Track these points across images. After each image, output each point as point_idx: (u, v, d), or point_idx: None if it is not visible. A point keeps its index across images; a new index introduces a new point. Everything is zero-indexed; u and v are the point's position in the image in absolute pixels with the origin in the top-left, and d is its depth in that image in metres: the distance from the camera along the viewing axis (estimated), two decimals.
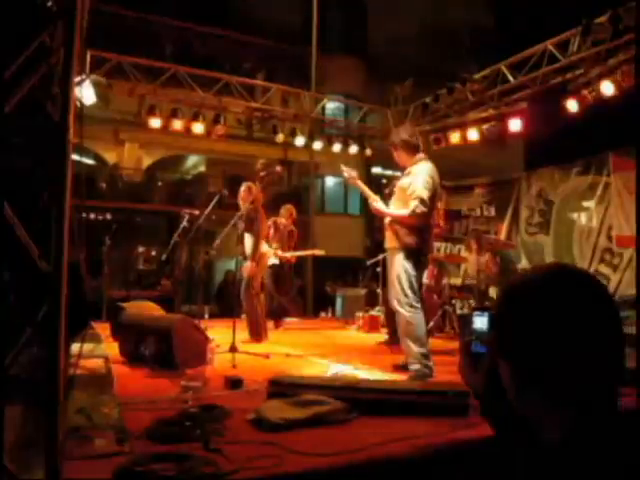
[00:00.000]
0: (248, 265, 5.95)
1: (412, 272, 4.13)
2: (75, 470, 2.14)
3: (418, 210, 4.05)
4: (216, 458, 2.31)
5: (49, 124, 2.19)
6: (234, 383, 3.57)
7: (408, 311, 4.07)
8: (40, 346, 2.42)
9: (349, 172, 4.46)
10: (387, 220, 4.30)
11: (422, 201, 4.05)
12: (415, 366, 4.08)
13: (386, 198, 4.53)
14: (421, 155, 4.35)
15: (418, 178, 4.13)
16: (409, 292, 4.09)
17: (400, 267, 4.12)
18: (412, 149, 4.33)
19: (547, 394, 0.84)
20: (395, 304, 4.14)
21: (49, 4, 2.71)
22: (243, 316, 6.30)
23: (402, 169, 4.45)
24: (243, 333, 5.81)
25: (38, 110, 2.66)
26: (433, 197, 4.21)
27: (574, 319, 0.82)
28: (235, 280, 6.38)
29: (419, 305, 4.16)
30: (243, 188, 6.15)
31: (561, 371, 0.82)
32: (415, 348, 4.07)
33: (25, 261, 2.11)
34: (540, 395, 0.85)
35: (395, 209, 4.26)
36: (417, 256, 4.18)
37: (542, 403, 0.85)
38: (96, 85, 7.39)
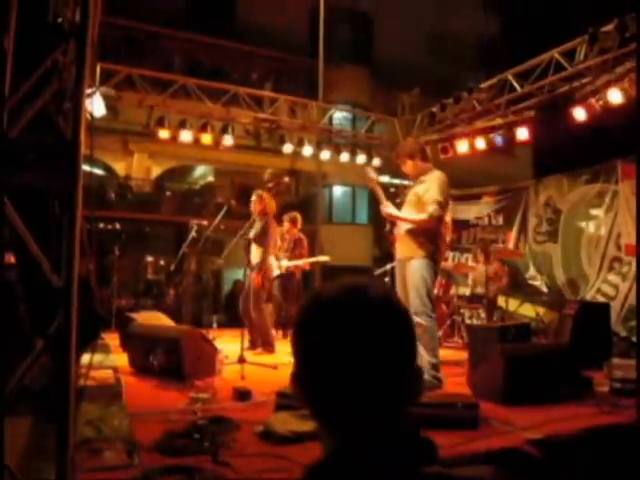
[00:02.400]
0: (254, 276, 5.98)
1: (430, 281, 4.17)
2: None
3: (436, 213, 4.13)
4: (225, 471, 2.32)
5: (61, 141, 2.22)
6: (243, 395, 3.58)
7: (425, 320, 4.07)
8: (51, 358, 2.45)
9: (373, 175, 4.53)
10: (401, 230, 4.31)
11: (440, 205, 4.15)
12: (424, 377, 4.07)
13: (399, 207, 4.53)
14: (430, 165, 4.41)
15: (434, 184, 4.21)
16: (427, 301, 4.11)
17: (419, 276, 4.13)
18: (425, 158, 4.41)
19: (315, 412, 0.82)
20: (411, 314, 4.13)
21: (61, 22, 2.77)
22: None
23: (413, 178, 4.48)
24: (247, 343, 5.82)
25: (50, 126, 2.70)
26: (446, 204, 4.31)
27: (343, 344, 0.78)
28: (243, 290, 6.39)
29: (434, 315, 4.17)
30: (254, 197, 6.18)
31: (327, 392, 0.79)
32: (427, 357, 4.07)
33: (37, 274, 2.14)
34: (312, 411, 0.83)
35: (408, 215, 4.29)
36: (434, 264, 4.22)
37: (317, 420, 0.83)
38: (106, 97, 7.46)
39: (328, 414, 0.81)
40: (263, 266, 5.99)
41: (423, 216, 4.15)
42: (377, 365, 0.78)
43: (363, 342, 0.78)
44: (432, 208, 4.12)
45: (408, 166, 4.43)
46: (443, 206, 4.20)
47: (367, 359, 0.78)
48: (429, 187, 4.21)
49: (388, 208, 4.35)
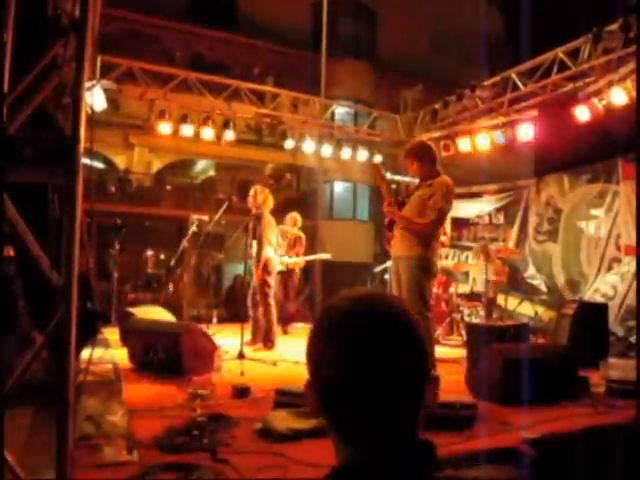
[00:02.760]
0: (254, 270, 6.01)
1: (424, 279, 4.18)
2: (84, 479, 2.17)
3: (436, 222, 4.18)
4: (223, 468, 2.33)
5: (60, 137, 2.22)
6: (241, 391, 3.59)
7: (420, 318, 4.07)
8: (51, 355, 2.45)
9: (384, 172, 4.54)
10: (399, 228, 4.32)
11: (442, 214, 4.21)
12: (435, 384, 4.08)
13: (399, 205, 4.51)
14: (439, 169, 4.39)
15: (440, 191, 4.21)
16: (419, 299, 4.11)
17: (413, 274, 4.15)
18: (434, 161, 4.40)
19: (329, 421, 0.83)
20: None
21: (61, 16, 2.75)
22: (250, 321, 6.28)
23: (419, 179, 4.45)
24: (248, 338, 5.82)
25: (49, 121, 2.69)
26: (448, 211, 4.36)
27: (358, 354, 0.79)
28: (244, 284, 6.40)
29: (428, 313, 4.18)
30: (251, 192, 6.20)
31: (341, 402, 0.80)
32: None
33: (37, 269, 2.14)
34: (326, 421, 0.84)
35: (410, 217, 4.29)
36: (429, 264, 4.23)
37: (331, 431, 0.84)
38: (106, 90, 7.43)
39: (342, 424, 0.82)
40: (260, 259, 5.99)
41: (423, 222, 4.17)
42: (391, 375, 0.79)
43: (377, 352, 0.79)
44: (434, 216, 4.15)
45: (415, 168, 4.42)
46: (445, 214, 4.26)
47: (381, 369, 0.79)
48: (434, 193, 4.20)
49: (392, 207, 4.36)
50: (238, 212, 8.25)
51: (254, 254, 6.08)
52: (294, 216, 7.82)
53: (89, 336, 2.99)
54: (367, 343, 0.79)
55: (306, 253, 8.04)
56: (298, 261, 7.68)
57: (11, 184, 2.08)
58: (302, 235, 7.82)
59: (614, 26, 6.16)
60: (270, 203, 6.16)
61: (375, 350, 0.79)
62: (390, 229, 4.43)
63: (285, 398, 3.15)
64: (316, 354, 0.84)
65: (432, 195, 4.19)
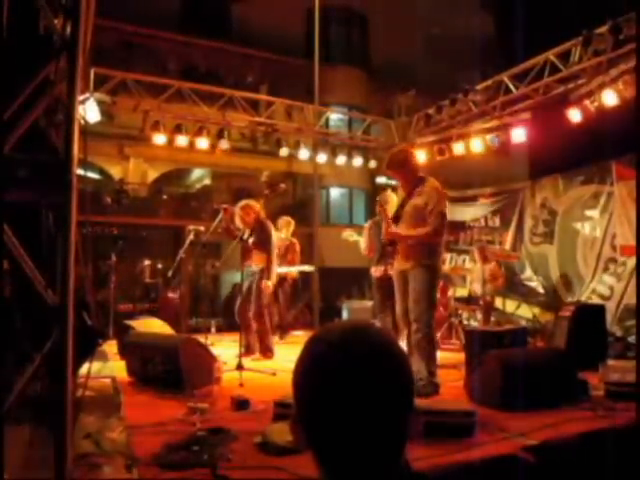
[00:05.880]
0: (263, 283, 5.87)
1: (436, 289, 4.25)
2: None
3: (439, 227, 4.17)
4: None
5: (54, 157, 2.22)
6: (241, 404, 3.58)
7: (427, 326, 4.11)
8: (47, 374, 2.45)
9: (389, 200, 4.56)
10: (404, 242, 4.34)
11: (443, 217, 4.19)
12: (421, 383, 4.09)
13: (394, 219, 4.50)
14: (422, 174, 4.40)
15: (434, 196, 4.21)
16: (430, 310, 4.15)
17: (425, 285, 4.16)
18: (416, 167, 4.41)
19: (316, 456, 0.82)
20: (412, 321, 4.17)
21: (52, 35, 2.76)
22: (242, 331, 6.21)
23: (405, 189, 4.44)
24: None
25: (42, 139, 2.69)
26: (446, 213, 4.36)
27: (345, 388, 0.78)
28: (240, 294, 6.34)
29: (433, 324, 4.22)
30: (240, 212, 5.91)
31: (328, 436, 0.80)
32: (423, 365, 4.09)
33: (33, 293, 2.13)
34: (313, 455, 0.83)
35: (410, 230, 4.26)
36: (437, 274, 4.28)
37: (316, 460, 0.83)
38: (100, 103, 7.44)
39: (328, 458, 0.81)
40: (270, 272, 5.92)
41: (428, 230, 4.16)
42: (378, 409, 0.79)
43: (362, 385, 0.78)
44: (436, 222, 4.14)
45: (399, 178, 4.43)
46: (445, 216, 4.24)
47: (369, 403, 0.78)
48: (429, 199, 4.19)
49: (392, 228, 4.35)
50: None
51: (255, 264, 5.98)
52: (287, 219, 7.74)
53: (87, 352, 2.98)
54: (352, 376, 0.78)
55: (303, 260, 8.02)
56: (290, 270, 7.62)
57: (6, 203, 2.08)
58: (295, 241, 7.76)
59: (604, 28, 6.20)
60: (262, 212, 6.03)
61: (359, 383, 0.78)
62: (392, 244, 4.41)
63: (284, 410, 3.14)
64: (304, 386, 0.83)
65: (427, 202, 4.19)
